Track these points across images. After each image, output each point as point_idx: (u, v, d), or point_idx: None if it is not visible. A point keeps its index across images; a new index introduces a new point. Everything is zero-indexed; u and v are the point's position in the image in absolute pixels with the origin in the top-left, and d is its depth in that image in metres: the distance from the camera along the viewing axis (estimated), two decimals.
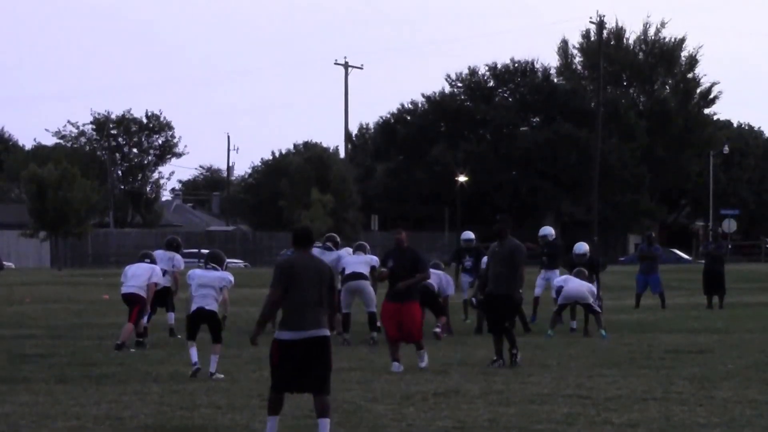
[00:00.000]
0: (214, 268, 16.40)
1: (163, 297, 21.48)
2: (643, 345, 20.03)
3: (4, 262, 70.83)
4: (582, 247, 23.88)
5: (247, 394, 13.89)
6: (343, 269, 21.24)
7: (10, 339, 22.04)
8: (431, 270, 22.76)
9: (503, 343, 17.06)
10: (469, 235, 25.73)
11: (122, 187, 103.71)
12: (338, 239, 22.92)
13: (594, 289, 22.61)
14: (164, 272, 21.23)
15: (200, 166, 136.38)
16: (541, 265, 25.76)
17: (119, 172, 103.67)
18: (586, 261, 23.44)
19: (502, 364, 16.82)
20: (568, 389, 14.18)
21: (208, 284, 16.18)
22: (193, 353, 15.97)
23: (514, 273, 17.03)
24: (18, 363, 17.81)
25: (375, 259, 21.76)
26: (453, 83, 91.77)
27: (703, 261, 34.87)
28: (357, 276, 21.09)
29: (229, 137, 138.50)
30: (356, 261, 21.40)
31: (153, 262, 20.65)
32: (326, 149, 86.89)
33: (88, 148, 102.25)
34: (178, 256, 22.02)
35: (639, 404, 13.03)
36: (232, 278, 16.57)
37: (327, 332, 10.96)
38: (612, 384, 14.70)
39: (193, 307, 16.07)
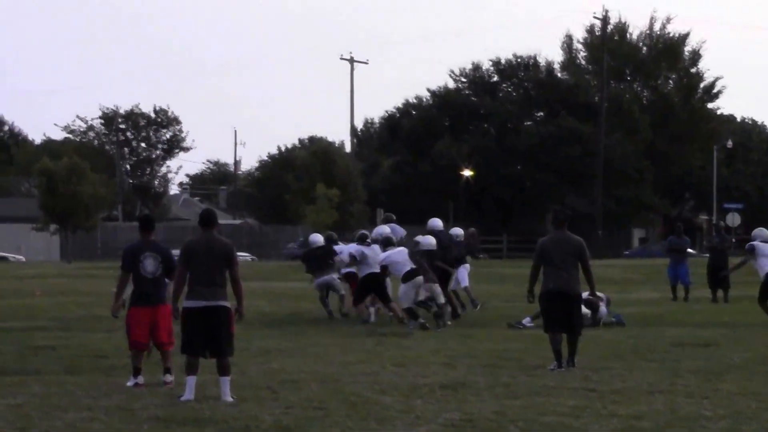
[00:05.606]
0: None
1: None
2: (649, 338, 20.13)
3: (15, 255, 71.11)
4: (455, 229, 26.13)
5: (255, 385, 13.99)
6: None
7: (21, 331, 22.19)
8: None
9: (562, 345, 15.70)
10: (458, 231, 26.71)
11: (130, 181, 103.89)
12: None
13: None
14: None
15: (207, 161, 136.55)
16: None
17: (127, 167, 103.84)
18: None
19: (559, 370, 15.43)
20: (575, 382, 14.26)
21: None
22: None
23: (578, 270, 15.65)
24: (29, 355, 17.96)
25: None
26: (456, 78, 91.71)
27: (707, 255, 34.93)
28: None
29: (236, 132, 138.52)
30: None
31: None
32: (332, 143, 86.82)
33: (96, 142, 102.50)
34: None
35: (645, 397, 13.11)
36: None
37: (225, 303, 12.73)
38: (618, 377, 14.80)
39: None
